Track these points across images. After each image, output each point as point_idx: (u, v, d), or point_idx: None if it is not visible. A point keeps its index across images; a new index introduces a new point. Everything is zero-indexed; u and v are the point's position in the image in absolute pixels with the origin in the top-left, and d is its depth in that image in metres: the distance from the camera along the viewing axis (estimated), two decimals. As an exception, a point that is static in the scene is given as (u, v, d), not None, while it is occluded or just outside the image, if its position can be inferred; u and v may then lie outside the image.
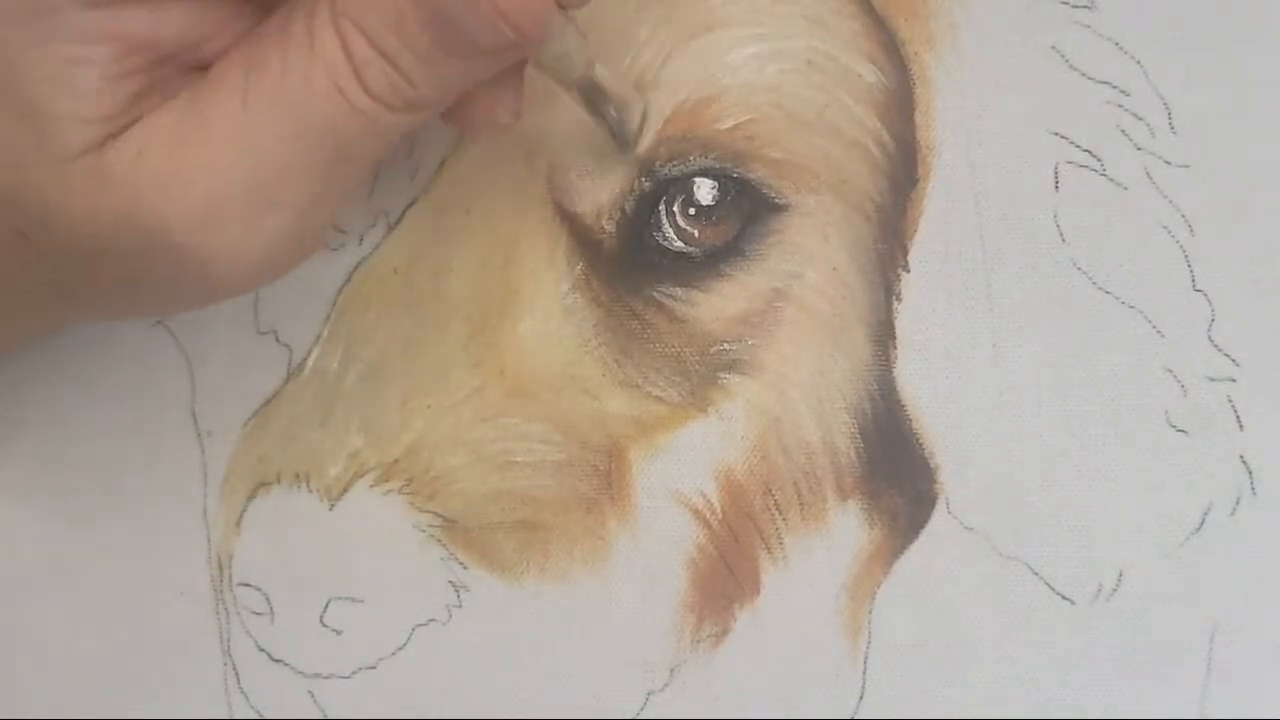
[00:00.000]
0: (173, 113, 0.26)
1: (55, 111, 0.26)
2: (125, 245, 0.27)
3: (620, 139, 0.33)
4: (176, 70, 0.27)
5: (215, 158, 0.26)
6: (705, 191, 0.33)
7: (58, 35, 0.25)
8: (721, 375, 0.34)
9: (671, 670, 0.34)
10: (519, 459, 0.34)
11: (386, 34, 0.26)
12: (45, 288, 0.29)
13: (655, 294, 0.34)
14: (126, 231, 0.26)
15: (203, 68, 0.27)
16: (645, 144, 0.33)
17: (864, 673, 0.34)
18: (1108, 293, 0.34)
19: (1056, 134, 0.34)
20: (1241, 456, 0.33)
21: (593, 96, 0.31)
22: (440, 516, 0.34)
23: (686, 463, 0.34)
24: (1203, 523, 0.33)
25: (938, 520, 0.34)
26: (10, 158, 0.26)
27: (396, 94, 0.26)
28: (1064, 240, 0.34)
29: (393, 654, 0.34)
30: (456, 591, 0.34)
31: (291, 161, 0.26)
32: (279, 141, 0.26)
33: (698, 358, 0.34)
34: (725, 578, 0.34)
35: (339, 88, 0.26)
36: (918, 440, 0.34)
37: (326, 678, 0.34)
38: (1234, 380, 0.33)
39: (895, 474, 0.34)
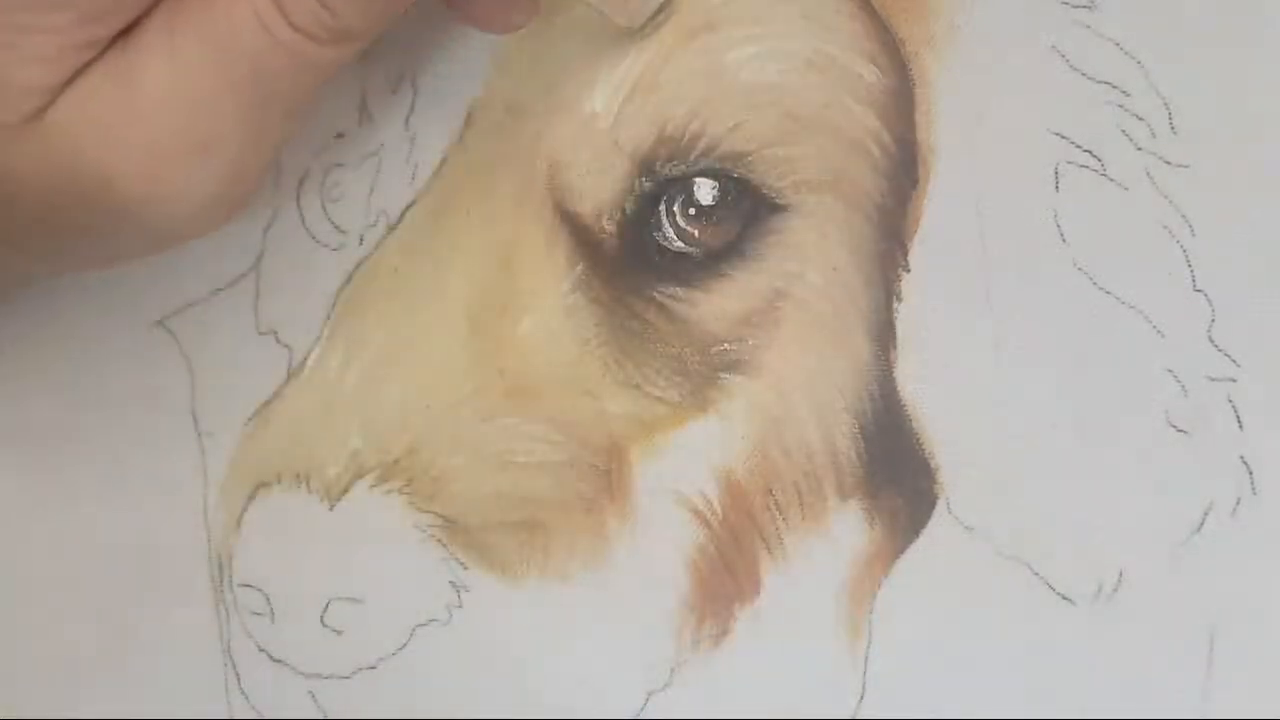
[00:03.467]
0: (105, 66, 0.26)
1: (6, 79, 0.26)
2: (71, 199, 0.27)
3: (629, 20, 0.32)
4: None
5: (148, 105, 0.26)
6: (705, 192, 0.33)
7: (15, 4, 0.25)
8: (722, 375, 0.34)
9: (671, 670, 0.34)
10: (519, 459, 0.34)
11: None
12: None
13: (656, 294, 0.34)
14: (72, 187, 0.26)
15: None
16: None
17: (864, 673, 0.34)
18: (1108, 293, 0.34)
19: (1056, 134, 0.34)
20: (1241, 456, 0.33)
21: None
22: (440, 517, 0.34)
23: (687, 463, 0.34)
24: (1203, 523, 0.33)
25: (938, 520, 0.34)
26: None
27: (320, 24, 0.26)
28: (1064, 240, 0.34)
29: (393, 654, 0.34)
30: (456, 591, 0.34)
31: (220, 102, 0.26)
32: (206, 82, 0.26)
33: (698, 358, 0.34)
34: (725, 578, 0.34)
35: (261, 21, 0.26)
36: (918, 440, 0.34)
37: (326, 678, 0.34)
38: (1234, 380, 0.33)
39: (895, 474, 0.34)
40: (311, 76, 0.27)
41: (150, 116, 0.26)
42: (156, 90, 0.26)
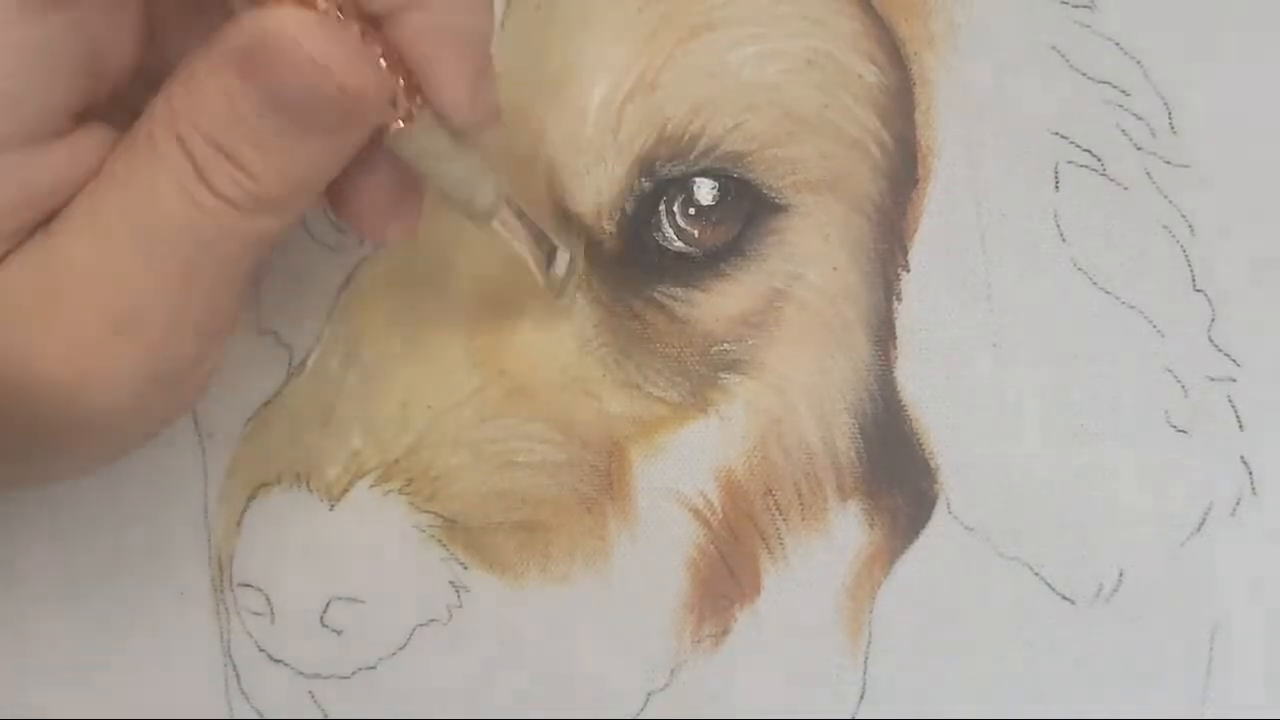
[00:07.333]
0: (24, 255, 0.26)
1: None
2: None
3: (549, 283, 0.32)
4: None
5: (69, 284, 0.25)
6: (705, 192, 0.33)
7: None
8: (722, 375, 0.34)
9: (671, 670, 0.34)
10: (519, 459, 0.34)
11: (223, 127, 0.25)
12: None
13: (656, 294, 0.34)
14: None
15: None
16: (571, 298, 0.33)
17: (864, 673, 0.34)
18: (1108, 293, 0.34)
19: (1056, 134, 0.34)
20: (1241, 456, 0.33)
21: (512, 234, 0.31)
22: (440, 517, 0.34)
23: (687, 463, 0.34)
24: (1203, 523, 0.33)
25: (938, 520, 0.34)
26: None
27: (240, 189, 0.26)
28: (1064, 240, 0.34)
29: (393, 654, 0.34)
30: (456, 591, 0.34)
31: (143, 276, 0.26)
32: (129, 257, 0.25)
33: (698, 358, 0.34)
34: (725, 578, 0.34)
35: (184, 189, 0.25)
36: (918, 440, 0.34)
37: (326, 678, 0.34)
38: (1234, 380, 0.33)
39: (895, 474, 0.34)
40: (237, 249, 0.26)
41: (71, 295, 0.25)
42: (78, 269, 0.25)
